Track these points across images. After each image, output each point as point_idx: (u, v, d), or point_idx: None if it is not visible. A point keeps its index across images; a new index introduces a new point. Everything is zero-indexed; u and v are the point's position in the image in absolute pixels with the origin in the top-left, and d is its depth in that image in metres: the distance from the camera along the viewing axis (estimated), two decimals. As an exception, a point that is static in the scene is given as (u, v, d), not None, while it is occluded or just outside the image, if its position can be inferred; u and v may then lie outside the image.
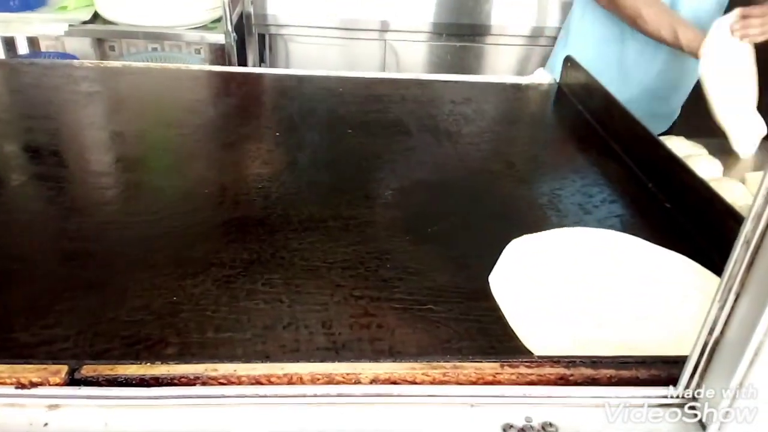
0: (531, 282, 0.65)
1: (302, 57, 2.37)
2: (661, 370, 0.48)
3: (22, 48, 2.29)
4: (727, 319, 0.42)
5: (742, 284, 0.40)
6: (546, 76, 1.23)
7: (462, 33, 2.35)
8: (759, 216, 0.37)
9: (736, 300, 0.41)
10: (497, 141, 0.99)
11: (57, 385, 0.43)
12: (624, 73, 1.39)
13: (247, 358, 0.48)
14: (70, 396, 0.43)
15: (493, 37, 2.35)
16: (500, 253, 0.69)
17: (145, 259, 0.66)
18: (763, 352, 0.39)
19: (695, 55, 1.17)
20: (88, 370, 0.44)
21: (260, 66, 2.22)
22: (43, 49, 2.29)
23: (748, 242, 0.39)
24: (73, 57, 2.12)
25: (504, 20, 2.29)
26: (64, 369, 0.44)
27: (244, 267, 0.65)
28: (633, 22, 1.27)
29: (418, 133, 0.99)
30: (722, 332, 0.42)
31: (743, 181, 1.04)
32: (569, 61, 1.16)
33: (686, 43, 1.20)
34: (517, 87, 1.21)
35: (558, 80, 1.21)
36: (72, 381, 0.44)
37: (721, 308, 0.42)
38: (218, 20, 1.92)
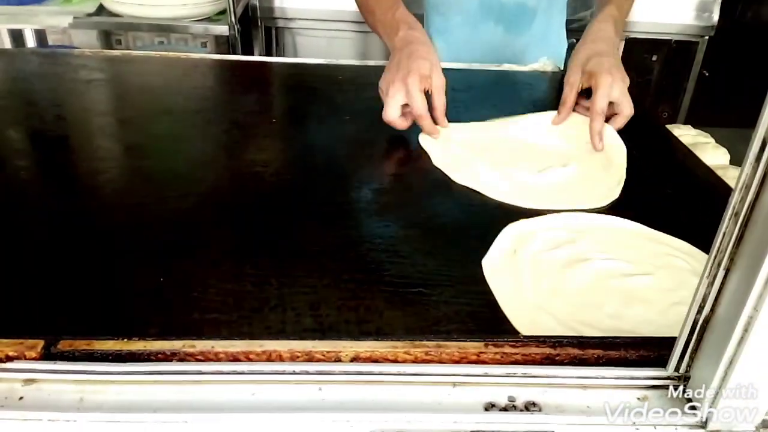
0: (524, 266, 0.64)
1: (310, 50, 2.36)
2: (651, 351, 0.46)
3: (30, 41, 2.30)
4: (717, 295, 0.41)
5: (731, 259, 0.39)
6: (549, 64, 1.21)
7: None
8: (747, 186, 0.36)
9: (725, 276, 0.40)
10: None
11: (33, 359, 0.43)
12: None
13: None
14: (45, 370, 0.42)
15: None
16: (495, 238, 0.68)
17: (134, 241, 0.65)
18: (753, 329, 0.38)
19: None
20: (64, 344, 0.43)
21: (266, 59, 2.22)
22: (50, 43, 2.30)
23: (736, 214, 0.38)
24: (80, 50, 2.12)
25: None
26: (40, 343, 0.43)
27: (233, 250, 0.65)
28: None
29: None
30: (712, 309, 0.41)
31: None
32: (572, 47, 1.14)
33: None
34: (519, 74, 1.19)
35: (561, 68, 1.19)
36: (48, 355, 0.43)
37: (710, 284, 0.41)
38: (223, 12, 1.92)
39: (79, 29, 1.98)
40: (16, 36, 2.23)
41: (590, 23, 1.00)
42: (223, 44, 2.34)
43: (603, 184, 0.79)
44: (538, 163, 0.83)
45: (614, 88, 0.86)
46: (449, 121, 0.90)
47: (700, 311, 0.42)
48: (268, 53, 2.32)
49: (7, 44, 2.06)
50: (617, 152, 0.85)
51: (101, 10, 1.87)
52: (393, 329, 0.54)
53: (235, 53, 1.87)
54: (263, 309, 0.56)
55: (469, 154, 0.84)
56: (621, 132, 0.89)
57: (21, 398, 0.42)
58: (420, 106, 0.84)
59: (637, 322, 0.57)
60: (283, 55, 2.34)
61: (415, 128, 0.89)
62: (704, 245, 0.68)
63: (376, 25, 1.01)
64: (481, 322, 0.56)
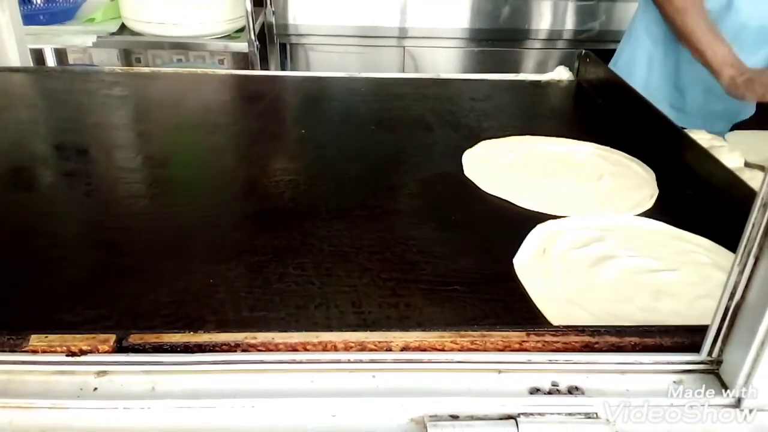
0: (554, 264, 0.66)
1: (322, 65, 2.40)
2: (684, 338, 0.49)
3: (50, 60, 2.36)
4: (747, 282, 0.43)
5: (761, 248, 0.42)
6: (564, 73, 1.24)
7: (480, 38, 2.37)
8: (776, 177, 0.38)
9: (755, 264, 0.42)
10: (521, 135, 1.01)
11: (105, 352, 0.46)
12: (677, 74, 1.38)
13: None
14: (118, 362, 0.45)
15: (511, 42, 2.36)
16: (524, 239, 0.71)
17: (180, 247, 0.69)
18: (783, 312, 0.40)
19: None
20: (134, 338, 0.46)
21: (282, 74, 2.26)
22: (70, 61, 2.35)
23: (765, 205, 0.40)
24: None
25: (521, 24, 2.31)
26: (111, 337, 0.46)
27: (275, 253, 0.68)
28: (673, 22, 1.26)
29: (440, 129, 1.01)
30: (743, 296, 0.44)
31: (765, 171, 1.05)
32: (587, 57, 1.17)
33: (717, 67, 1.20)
34: (536, 84, 1.22)
35: (576, 76, 1.23)
36: (120, 348, 0.46)
37: (741, 273, 0.43)
38: (241, 30, 1.97)
39: (101, 48, 2.02)
40: (37, 56, 2.29)
41: None
42: (240, 61, 2.39)
43: (636, 195, 0.82)
44: (571, 177, 0.86)
45: None
46: (473, 130, 0.94)
47: (731, 298, 0.44)
48: (283, 68, 2.37)
49: (30, 63, 2.10)
50: (648, 175, 0.87)
51: (123, 29, 1.92)
52: (433, 324, 0.57)
53: (254, 69, 1.91)
54: (308, 307, 0.59)
55: (500, 167, 0.87)
56: (642, 137, 0.92)
57: (95, 389, 0.45)
58: None
59: (666, 315, 0.60)
60: (298, 70, 2.39)
61: (441, 133, 0.93)
62: (725, 241, 0.71)
63: None
64: (517, 317, 0.59)
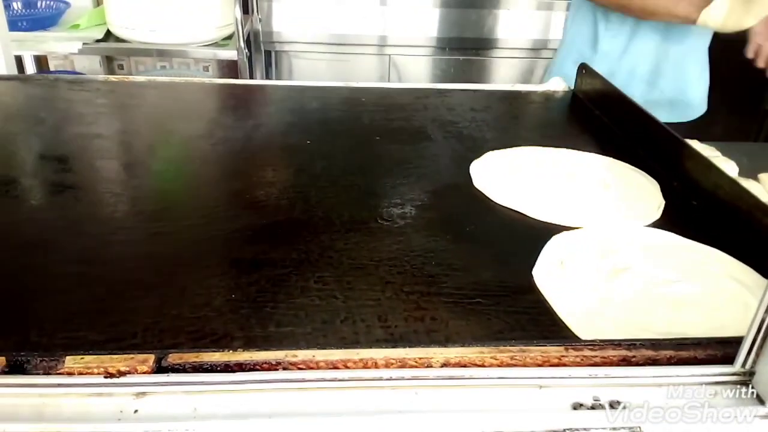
0: (573, 275, 0.67)
1: (306, 73, 2.40)
2: (717, 350, 0.50)
3: (30, 68, 2.31)
4: (784, 296, 0.44)
5: (799, 261, 0.43)
6: (560, 84, 1.26)
7: (464, 47, 2.40)
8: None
9: (792, 277, 0.43)
10: (523, 145, 1.02)
11: (145, 373, 0.45)
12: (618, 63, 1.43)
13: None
14: (158, 383, 0.44)
15: (496, 51, 2.39)
16: (539, 250, 0.71)
17: (198, 260, 0.68)
18: (821, 326, 0.41)
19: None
20: (174, 358, 0.45)
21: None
22: (51, 68, 2.31)
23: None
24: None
25: (506, 33, 2.34)
26: (151, 358, 0.45)
27: (294, 266, 0.67)
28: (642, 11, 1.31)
29: (444, 140, 1.01)
30: (779, 309, 0.45)
31: (758, 181, 1.07)
32: (584, 69, 1.19)
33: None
34: (533, 95, 1.24)
35: (572, 87, 1.24)
36: (159, 369, 0.45)
37: (778, 286, 0.44)
38: (228, 38, 1.96)
39: (84, 55, 1.99)
40: (17, 62, 2.24)
41: None
42: (225, 68, 2.38)
43: (643, 206, 0.83)
44: (578, 187, 0.87)
45: None
46: (476, 141, 0.94)
47: (767, 311, 0.45)
48: (268, 77, 2.36)
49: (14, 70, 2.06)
50: (653, 186, 0.89)
51: (108, 35, 1.89)
52: (461, 338, 0.57)
53: (242, 77, 1.90)
54: (334, 321, 0.59)
55: (508, 178, 0.88)
56: (642, 147, 0.94)
57: (136, 411, 0.44)
58: None
59: (687, 326, 0.61)
60: (280, 78, 2.38)
61: (445, 144, 0.93)
62: (733, 251, 0.72)
63: None
64: (543, 329, 0.59)
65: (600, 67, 1.18)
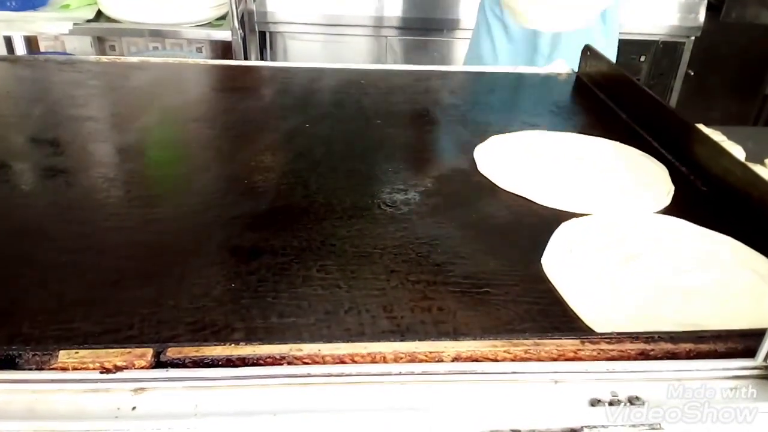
0: (583, 264, 0.65)
1: (301, 54, 2.37)
2: (738, 343, 0.48)
3: (20, 48, 2.26)
4: (812, 288, 0.42)
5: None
6: (564, 66, 1.23)
7: (456, 27, 2.37)
8: None
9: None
10: (527, 129, 0.99)
11: (143, 368, 0.43)
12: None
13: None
14: (157, 378, 0.42)
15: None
16: (546, 238, 0.69)
17: (196, 248, 0.65)
18: None
19: None
20: (173, 352, 0.43)
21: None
22: (42, 49, 2.27)
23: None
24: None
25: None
26: (149, 352, 0.43)
27: (296, 254, 0.65)
28: None
29: (447, 123, 0.99)
30: (805, 302, 0.43)
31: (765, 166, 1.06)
32: (588, 50, 1.17)
33: None
34: (536, 77, 1.21)
35: (576, 70, 1.22)
36: (158, 363, 0.43)
37: (806, 278, 0.42)
38: (222, 18, 1.92)
39: (75, 35, 1.95)
40: (6, 42, 2.20)
41: None
42: (218, 49, 2.34)
43: (652, 192, 0.81)
44: (585, 173, 0.85)
45: None
46: (479, 125, 0.92)
47: (793, 304, 0.43)
48: (262, 58, 2.32)
49: (3, 51, 2.02)
50: (662, 171, 0.87)
51: (99, 15, 1.85)
52: (470, 329, 0.55)
53: (236, 58, 1.86)
54: (338, 312, 0.57)
55: (513, 163, 0.86)
56: (649, 131, 0.91)
57: (134, 408, 0.42)
58: None
59: (699, 316, 0.59)
60: (275, 59, 2.35)
61: (448, 127, 0.90)
62: (743, 238, 0.71)
63: None
64: (554, 320, 0.57)
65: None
